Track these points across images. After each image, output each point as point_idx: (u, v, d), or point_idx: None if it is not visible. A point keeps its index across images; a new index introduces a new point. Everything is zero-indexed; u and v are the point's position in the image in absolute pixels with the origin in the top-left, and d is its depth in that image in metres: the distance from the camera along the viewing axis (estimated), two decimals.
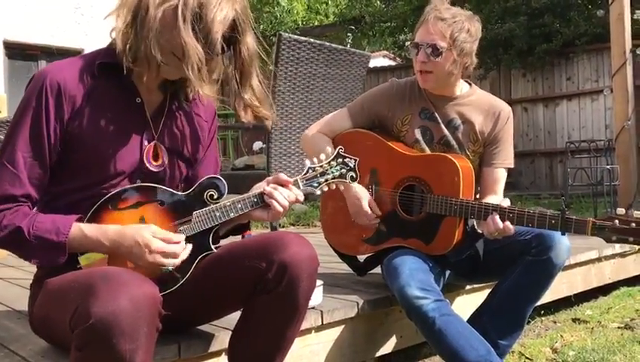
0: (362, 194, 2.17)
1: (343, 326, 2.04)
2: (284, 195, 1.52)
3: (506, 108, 2.22)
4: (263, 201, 1.52)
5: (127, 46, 1.39)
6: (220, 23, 1.37)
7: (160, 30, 1.36)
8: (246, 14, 1.45)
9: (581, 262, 2.98)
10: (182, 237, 1.44)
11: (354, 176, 1.62)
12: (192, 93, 1.55)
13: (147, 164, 1.50)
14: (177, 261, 1.41)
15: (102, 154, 1.45)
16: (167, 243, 1.39)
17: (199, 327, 1.71)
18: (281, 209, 1.51)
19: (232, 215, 1.50)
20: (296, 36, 2.95)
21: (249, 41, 1.46)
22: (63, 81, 1.40)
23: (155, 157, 1.52)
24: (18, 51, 8.50)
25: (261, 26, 12.69)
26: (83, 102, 1.42)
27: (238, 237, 1.75)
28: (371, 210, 2.17)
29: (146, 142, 1.50)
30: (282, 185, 1.53)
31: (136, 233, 1.37)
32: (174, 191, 1.52)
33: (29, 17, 8.21)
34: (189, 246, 1.45)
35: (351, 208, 2.20)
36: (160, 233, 1.40)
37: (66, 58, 1.51)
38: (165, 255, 1.39)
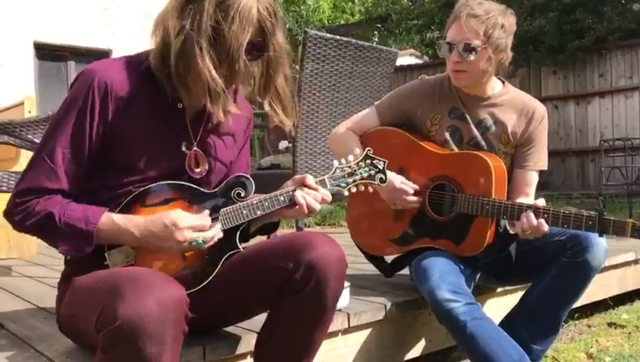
0: (391, 174, 2.07)
1: (370, 330, 2.00)
2: (313, 197, 1.50)
3: (540, 108, 2.14)
4: (290, 201, 1.50)
5: (161, 69, 1.41)
6: (240, 36, 1.35)
7: (182, 63, 1.36)
8: (273, 9, 1.41)
9: (617, 264, 2.89)
10: (206, 212, 1.44)
11: (383, 178, 1.60)
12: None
13: (187, 170, 1.50)
14: (208, 234, 1.40)
15: (139, 156, 1.45)
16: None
17: (225, 329, 1.69)
18: (307, 211, 1.49)
19: (259, 213, 1.49)
20: (322, 33, 2.91)
21: (279, 40, 1.43)
22: (111, 82, 1.41)
23: (197, 165, 1.52)
24: (48, 52, 8.63)
25: (287, 25, 12.69)
26: (127, 104, 1.42)
27: (264, 237, 1.73)
28: (406, 185, 2.08)
29: (184, 148, 1.50)
30: (308, 186, 1.51)
31: (162, 216, 1.39)
32: (202, 190, 1.51)
33: (58, 19, 8.33)
34: (218, 225, 1.44)
35: (383, 193, 2.11)
36: (186, 213, 1.41)
37: (115, 58, 1.52)
38: (194, 228, 1.39)
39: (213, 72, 1.35)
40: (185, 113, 1.49)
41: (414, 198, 2.08)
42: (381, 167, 1.60)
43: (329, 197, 1.53)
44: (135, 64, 1.46)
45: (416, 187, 2.09)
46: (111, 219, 1.39)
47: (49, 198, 1.39)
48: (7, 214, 1.41)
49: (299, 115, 2.90)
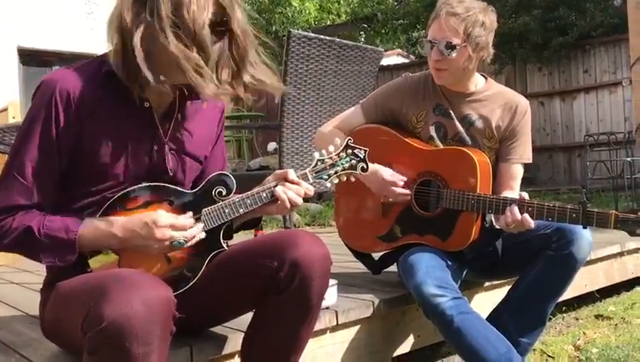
0: (378, 167, 2.08)
1: (358, 327, 2.00)
2: (295, 191, 1.49)
3: (523, 102, 2.16)
4: (272, 197, 1.49)
5: (123, 68, 1.37)
6: (201, 16, 1.32)
7: (146, 54, 1.32)
8: None
9: (603, 256, 2.91)
10: (189, 214, 1.42)
11: (364, 166, 1.59)
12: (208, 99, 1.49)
13: (160, 168, 1.48)
14: (187, 233, 1.39)
15: (111, 161, 1.42)
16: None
17: (211, 329, 1.69)
18: (289, 205, 1.48)
19: (241, 211, 1.48)
20: (305, 33, 2.91)
21: (238, 17, 1.38)
22: (73, 90, 1.38)
23: (168, 161, 1.50)
24: (32, 57, 8.58)
25: (274, 27, 12.66)
26: (92, 110, 1.40)
27: (251, 236, 1.72)
28: (395, 177, 2.08)
29: (155, 146, 1.48)
30: (291, 183, 1.50)
31: (142, 216, 1.38)
32: (183, 190, 1.50)
33: (43, 24, 8.28)
34: (200, 225, 1.43)
35: (373, 186, 2.12)
36: (166, 213, 1.40)
37: (72, 65, 1.47)
38: (174, 227, 1.38)
39: (187, 51, 1.30)
40: (152, 111, 1.47)
41: (403, 190, 2.09)
42: (362, 156, 1.59)
43: (311, 191, 1.52)
44: (94, 69, 1.43)
45: (405, 179, 2.10)
46: (92, 225, 1.37)
47: (25, 213, 1.37)
48: None
49: (284, 113, 2.90)
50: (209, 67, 1.33)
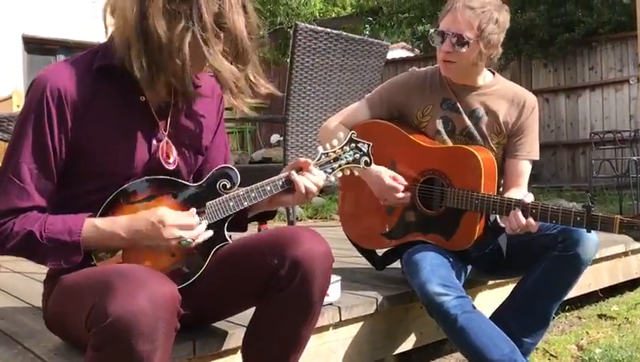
0: (381, 169, 2.07)
1: (361, 323, 2.00)
2: (310, 178, 1.49)
3: (531, 98, 2.14)
4: (277, 190, 1.49)
5: (142, 67, 1.33)
6: (239, 21, 1.33)
7: (189, 61, 1.32)
8: None
9: (607, 256, 2.90)
10: (193, 211, 1.42)
11: (368, 160, 1.58)
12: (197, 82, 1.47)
13: (159, 162, 1.46)
14: (194, 233, 1.39)
15: (110, 157, 1.40)
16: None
17: (214, 324, 1.68)
18: (305, 191, 1.48)
19: (245, 204, 1.47)
20: (312, 26, 2.89)
21: (251, 13, 1.39)
22: (64, 87, 1.35)
23: (168, 154, 1.48)
24: (37, 46, 8.57)
25: (278, 19, 12.61)
26: (86, 106, 1.37)
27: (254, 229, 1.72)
28: (396, 181, 2.07)
29: (155, 141, 1.46)
30: (302, 168, 1.50)
31: (148, 214, 1.36)
32: (187, 183, 1.49)
33: (47, 12, 8.26)
34: (205, 222, 1.42)
35: (374, 188, 2.11)
36: (172, 211, 1.39)
37: (66, 59, 1.45)
38: (181, 227, 1.37)
39: (226, 64, 1.32)
40: (149, 105, 1.44)
41: (403, 195, 2.07)
42: (365, 150, 1.58)
43: (320, 183, 1.51)
44: (85, 63, 1.40)
45: (406, 183, 2.08)
46: (94, 226, 1.35)
47: (25, 217, 1.34)
48: None
49: (290, 107, 2.89)
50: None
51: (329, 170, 1.55)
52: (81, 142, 1.38)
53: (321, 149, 1.56)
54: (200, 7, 1.29)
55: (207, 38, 1.30)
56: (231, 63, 1.36)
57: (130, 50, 1.33)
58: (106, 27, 1.39)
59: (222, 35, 1.33)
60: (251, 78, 1.42)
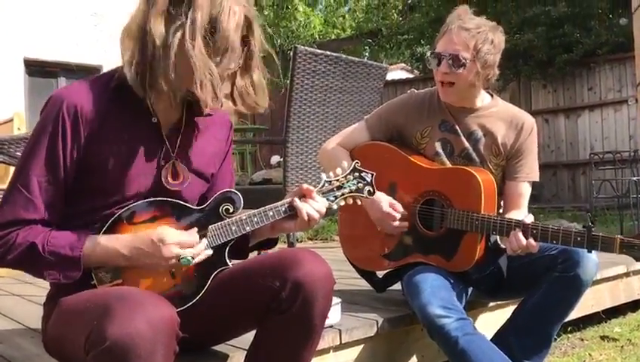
0: (381, 197, 2.07)
1: (362, 346, 1.98)
2: (313, 206, 1.49)
3: (529, 120, 2.15)
4: (279, 216, 1.49)
5: (141, 78, 1.37)
6: (236, 32, 1.35)
7: (177, 61, 1.33)
8: (249, 6, 1.40)
9: (609, 277, 2.89)
10: (194, 230, 1.42)
11: (371, 190, 1.59)
12: (207, 108, 1.51)
13: (165, 184, 1.48)
14: (195, 250, 1.39)
15: (118, 176, 1.42)
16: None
17: (214, 347, 1.67)
18: (307, 219, 1.48)
19: (248, 229, 1.47)
20: (312, 49, 2.92)
21: (258, 33, 1.43)
22: (80, 105, 1.38)
23: (175, 176, 1.49)
24: (38, 68, 8.62)
25: (278, 41, 12.73)
26: (99, 125, 1.40)
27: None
28: (395, 210, 2.07)
29: (163, 162, 1.48)
30: (305, 195, 1.51)
31: (149, 233, 1.37)
32: (190, 206, 1.49)
33: (49, 35, 8.32)
34: (205, 241, 1.43)
35: (373, 216, 2.12)
36: (173, 230, 1.40)
37: (82, 79, 1.49)
38: (181, 245, 1.37)
39: (204, 56, 1.32)
40: (160, 126, 1.47)
41: (398, 223, 2.07)
42: (369, 180, 1.59)
43: (323, 210, 1.52)
44: (103, 83, 1.43)
45: (403, 211, 2.08)
46: (97, 242, 1.36)
47: (29, 229, 1.35)
48: None
49: (290, 128, 2.90)
50: (221, 80, 1.36)
51: (332, 198, 1.56)
52: (90, 158, 1.40)
53: (324, 177, 1.57)
54: (194, 19, 1.32)
55: (194, 30, 1.31)
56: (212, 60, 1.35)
57: (132, 59, 1.37)
58: (122, 53, 1.41)
59: (212, 39, 1.34)
60: (239, 84, 1.44)
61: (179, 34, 1.32)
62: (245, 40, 1.41)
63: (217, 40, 1.34)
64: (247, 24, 1.39)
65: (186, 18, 1.32)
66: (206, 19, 1.33)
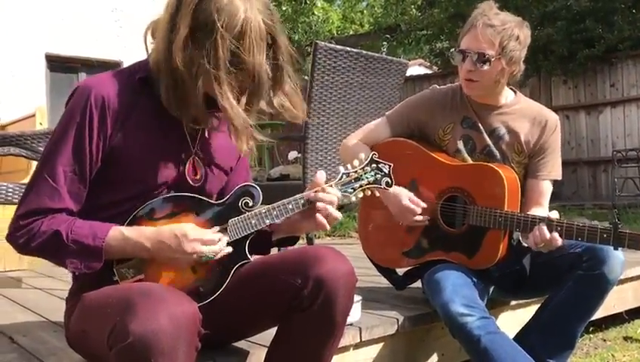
0: (400, 191, 2.06)
1: (382, 344, 1.97)
2: (325, 199, 1.48)
3: (552, 117, 2.12)
4: (298, 208, 1.48)
5: (169, 101, 1.39)
6: (259, 55, 1.33)
7: (194, 94, 1.34)
8: (272, 14, 1.37)
9: (633, 276, 2.84)
10: (216, 228, 1.43)
11: (389, 181, 1.58)
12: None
13: (188, 179, 1.48)
14: (216, 248, 1.39)
15: (141, 169, 1.43)
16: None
17: (235, 344, 1.67)
18: (325, 221, 1.47)
19: (267, 222, 1.47)
20: (332, 45, 2.90)
21: (285, 42, 1.40)
22: (107, 96, 1.38)
23: (196, 170, 1.50)
24: (59, 64, 8.72)
25: (296, 36, 12.73)
26: (125, 117, 1.40)
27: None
28: (414, 204, 2.06)
29: (183, 156, 1.48)
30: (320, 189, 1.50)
31: (173, 227, 1.38)
32: (210, 201, 1.49)
33: (70, 31, 8.41)
34: (225, 239, 1.43)
35: (393, 209, 2.10)
36: (196, 226, 1.40)
37: (107, 71, 1.50)
38: (203, 242, 1.38)
39: (236, 107, 1.34)
40: (182, 121, 1.46)
41: (421, 218, 2.06)
42: (387, 171, 1.58)
43: (335, 199, 1.50)
44: (128, 76, 1.44)
45: (424, 205, 2.06)
46: (120, 233, 1.37)
47: (53, 217, 1.36)
48: (11, 237, 1.38)
49: (309, 125, 2.89)
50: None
51: (350, 190, 1.55)
52: (115, 150, 1.40)
53: (342, 169, 1.56)
54: (217, 46, 1.30)
55: (219, 76, 1.31)
56: (241, 100, 1.37)
57: (159, 76, 1.38)
58: (146, 47, 1.42)
59: (237, 73, 1.33)
60: (276, 102, 1.44)
61: (203, 73, 1.32)
62: (273, 56, 1.39)
63: (242, 76, 1.34)
64: (271, 37, 1.37)
65: (208, 57, 1.31)
66: (228, 52, 1.31)
